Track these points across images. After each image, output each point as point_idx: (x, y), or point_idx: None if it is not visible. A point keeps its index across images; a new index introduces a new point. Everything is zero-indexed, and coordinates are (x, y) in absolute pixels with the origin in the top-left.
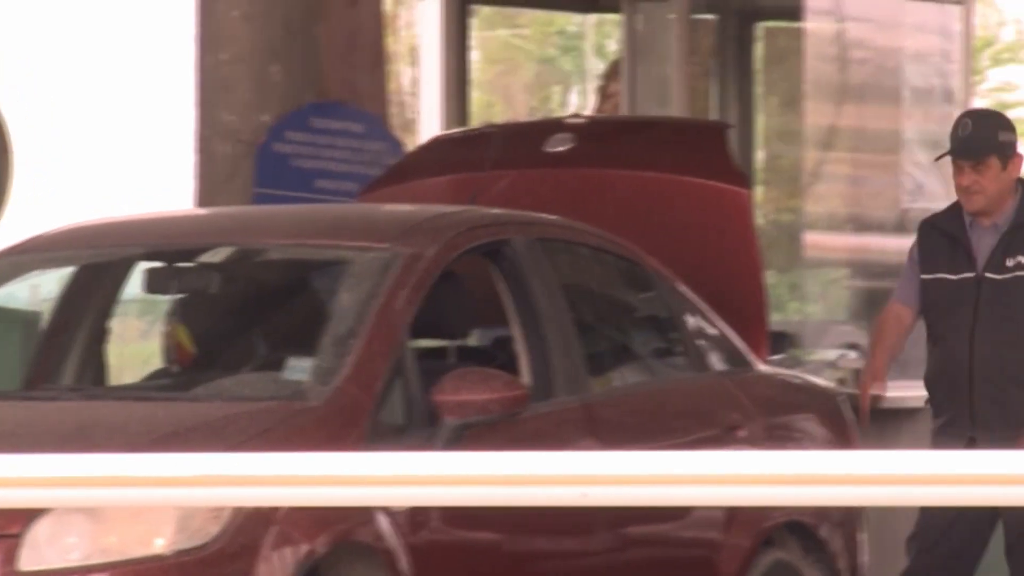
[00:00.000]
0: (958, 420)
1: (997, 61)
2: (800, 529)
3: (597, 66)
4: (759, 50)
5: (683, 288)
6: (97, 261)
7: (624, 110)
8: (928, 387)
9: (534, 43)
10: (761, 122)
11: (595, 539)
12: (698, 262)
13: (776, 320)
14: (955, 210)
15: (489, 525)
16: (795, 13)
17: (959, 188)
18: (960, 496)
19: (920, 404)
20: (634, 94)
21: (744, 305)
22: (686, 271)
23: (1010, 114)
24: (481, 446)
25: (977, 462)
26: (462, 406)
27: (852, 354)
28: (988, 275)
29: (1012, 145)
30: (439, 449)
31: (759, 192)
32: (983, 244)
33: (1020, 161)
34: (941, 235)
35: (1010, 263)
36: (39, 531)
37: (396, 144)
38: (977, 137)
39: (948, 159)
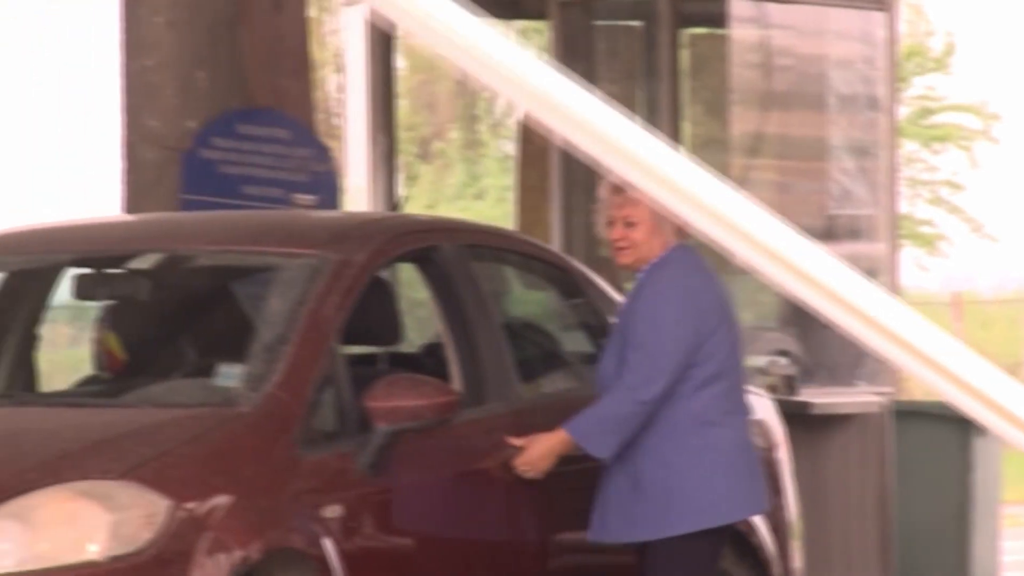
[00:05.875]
0: None
1: (923, 69)
2: (733, 535)
3: None
4: (684, 57)
5: (612, 294)
6: (26, 267)
7: None
8: None
9: None
10: (687, 129)
11: (530, 544)
12: None
13: None
14: None
15: (421, 532)
16: (719, 20)
17: None
18: None
19: (852, 411)
20: None
21: None
22: None
23: (934, 120)
24: (412, 452)
25: None
26: (393, 412)
27: (782, 360)
28: None
29: None
30: (370, 455)
31: None
32: None
33: None
34: None
35: None
36: None
37: (323, 150)
38: None
39: None
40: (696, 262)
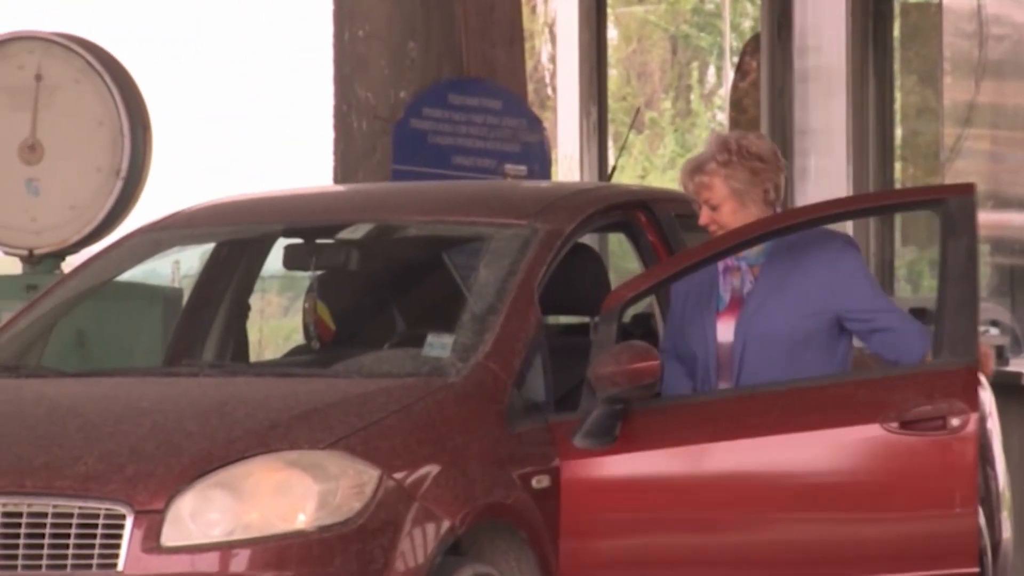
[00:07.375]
0: None
1: None
2: None
3: (733, 43)
4: (896, 27)
5: None
6: (238, 237)
7: (763, 86)
8: None
9: (669, 20)
10: (899, 99)
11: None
12: None
13: (916, 297)
14: None
15: (632, 503)
16: None
17: None
18: None
19: None
20: (773, 70)
21: None
22: None
23: None
24: (633, 424)
25: None
26: (606, 380)
27: (993, 330)
28: None
29: None
30: (585, 425)
31: (897, 169)
32: None
33: None
34: None
35: None
36: (182, 507)
37: (534, 121)
38: None
39: None
40: None
